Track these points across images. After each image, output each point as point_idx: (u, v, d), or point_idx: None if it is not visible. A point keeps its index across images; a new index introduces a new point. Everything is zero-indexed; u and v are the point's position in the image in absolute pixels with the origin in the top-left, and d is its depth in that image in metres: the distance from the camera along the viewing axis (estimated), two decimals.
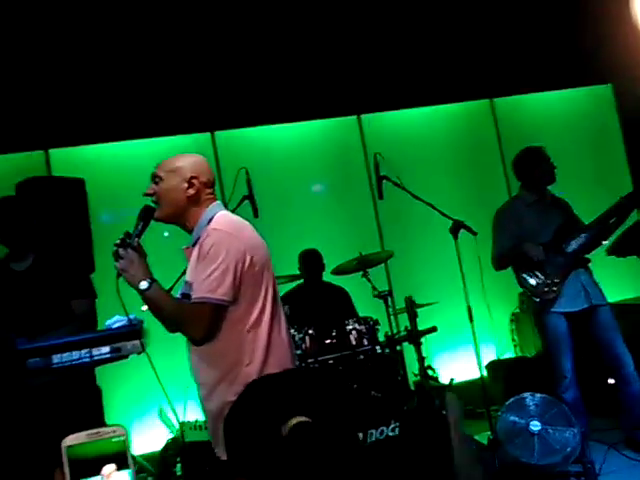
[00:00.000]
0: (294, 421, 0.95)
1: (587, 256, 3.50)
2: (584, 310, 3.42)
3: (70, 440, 1.13)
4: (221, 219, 2.02)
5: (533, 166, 3.56)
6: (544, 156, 3.57)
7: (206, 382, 2.00)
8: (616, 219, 3.43)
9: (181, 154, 2.12)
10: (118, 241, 1.98)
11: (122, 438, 1.14)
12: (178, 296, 2.04)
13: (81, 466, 1.11)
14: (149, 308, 2.00)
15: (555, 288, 3.38)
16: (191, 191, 2.03)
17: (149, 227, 2.06)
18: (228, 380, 1.92)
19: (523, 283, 3.49)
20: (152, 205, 2.06)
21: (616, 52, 5.28)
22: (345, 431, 1.02)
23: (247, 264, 1.94)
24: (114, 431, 1.15)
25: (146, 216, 2.03)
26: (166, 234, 2.35)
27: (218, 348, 1.94)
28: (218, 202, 2.10)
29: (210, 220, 2.02)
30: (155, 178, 2.06)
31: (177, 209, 2.04)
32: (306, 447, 0.95)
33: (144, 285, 1.91)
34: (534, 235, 3.48)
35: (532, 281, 3.44)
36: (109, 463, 1.13)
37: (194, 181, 2.04)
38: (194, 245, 2.03)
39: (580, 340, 3.50)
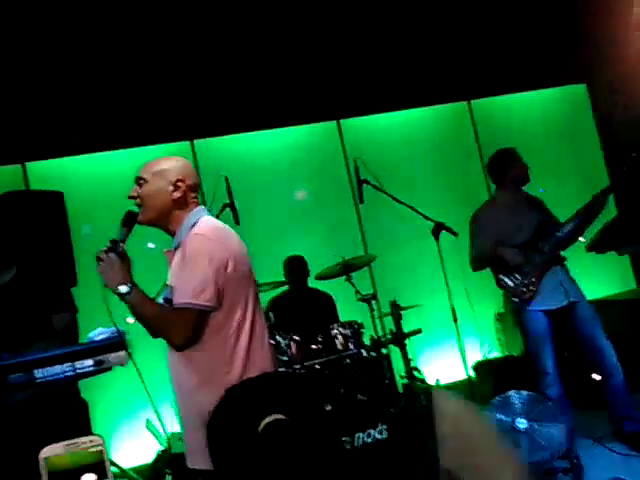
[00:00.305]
0: (269, 419, 0.96)
1: (563, 253, 3.54)
2: (563, 307, 3.45)
3: (47, 451, 1.12)
4: (204, 224, 2.01)
5: (506, 167, 3.59)
6: (517, 157, 3.61)
7: (184, 388, 1.98)
8: (591, 215, 3.45)
9: (166, 157, 2.10)
10: (104, 247, 1.97)
11: (100, 448, 1.13)
12: (160, 300, 2.02)
13: (60, 477, 1.10)
14: (132, 313, 1.98)
15: (533, 287, 3.42)
16: (177, 194, 2.02)
17: (133, 233, 2.04)
18: (207, 387, 1.89)
19: (501, 284, 3.53)
20: (135, 210, 2.04)
21: (590, 52, 5.41)
22: (322, 429, 1.03)
23: (230, 270, 1.93)
24: (91, 441, 1.14)
25: (129, 221, 2.01)
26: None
27: (199, 354, 1.92)
28: (202, 207, 2.09)
29: (194, 224, 2.00)
30: (139, 180, 2.04)
31: (162, 212, 2.02)
32: (281, 443, 0.95)
33: (124, 289, 1.89)
34: (511, 236, 3.50)
35: (510, 282, 3.48)
36: (88, 473, 1.12)
37: (180, 184, 2.02)
38: (176, 249, 2.02)
39: (562, 336, 3.54)
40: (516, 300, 3.47)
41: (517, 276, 3.47)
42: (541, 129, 5.48)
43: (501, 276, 3.51)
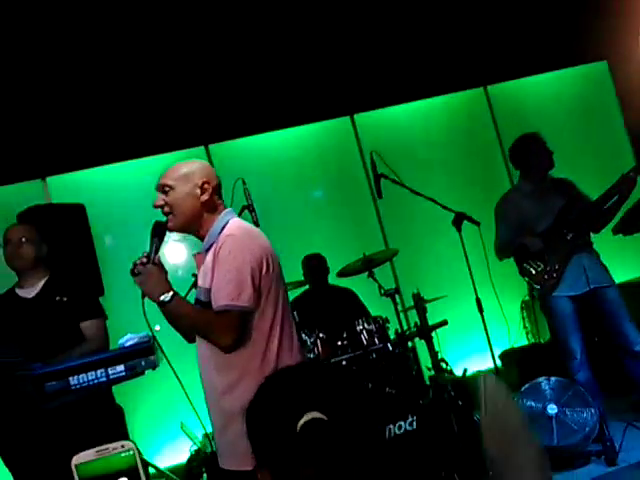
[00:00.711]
0: (307, 417, 0.97)
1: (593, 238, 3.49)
2: (587, 293, 3.42)
3: (79, 458, 1.14)
4: (236, 225, 2.02)
5: (528, 154, 3.55)
6: (538, 143, 3.54)
7: (216, 389, 1.99)
8: (618, 197, 3.38)
9: (185, 161, 2.09)
10: (137, 261, 1.98)
11: (131, 452, 1.14)
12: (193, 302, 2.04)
13: None
14: (171, 320, 2.00)
15: (555, 275, 3.40)
16: (205, 197, 2.01)
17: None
18: (239, 388, 1.91)
19: (524, 272, 3.51)
20: (161, 219, 2.04)
21: (609, 28, 5.22)
22: (363, 423, 1.04)
23: (264, 270, 1.94)
24: (123, 446, 1.15)
25: (159, 231, 2.02)
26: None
27: (232, 355, 1.93)
28: (230, 209, 2.10)
29: (224, 226, 2.01)
30: (164, 188, 2.01)
31: (192, 217, 2.02)
32: (319, 445, 0.96)
33: (166, 297, 1.90)
34: (534, 223, 3.48)
35: (532, 270, 3.46)
36: (121, 478, 1.13)
37: (206, 186, 2.01)
38: (207, 251, 2.02)
39: (589, 321, 3.51)
40: (538, 287, 3.46)
41: (539, 263, 3.44)
42: (562, 110, 5.35)
43: (524, 264, 3.49)
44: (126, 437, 3.08)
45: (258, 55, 4.90)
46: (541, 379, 3.20)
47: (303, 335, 3.53)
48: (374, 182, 3.59)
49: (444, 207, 3.44)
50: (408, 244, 4.86)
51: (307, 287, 4.28)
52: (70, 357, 2.50)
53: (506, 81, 5.44)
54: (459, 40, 5.18)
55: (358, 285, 4.22)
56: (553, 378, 3.18)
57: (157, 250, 2.00)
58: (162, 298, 1.90)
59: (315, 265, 4.26)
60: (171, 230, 2.04)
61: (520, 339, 4.93)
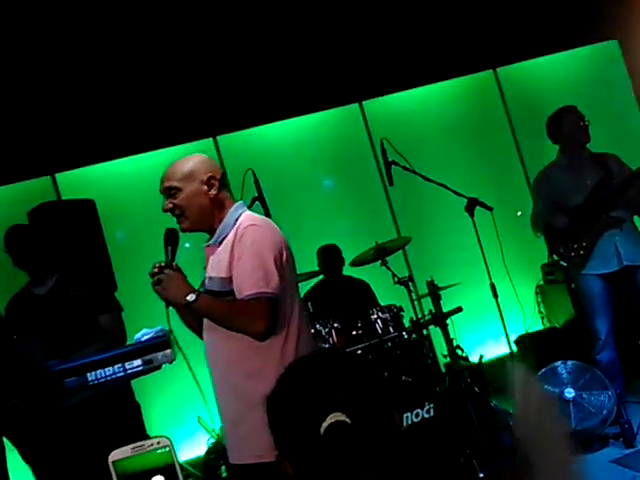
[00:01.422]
0: (331, 420, 0.95)
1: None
2: (619, 271, 3.36)
3: (116, 455, 1.13)
4: (251, 217, 2.02)
5: (561, 126, 3.50)
6: (573, 115, 3.48)
7: (232, 380, 1.98)
8: None
9: (184, 158, 2.05)
10: (154, 269, 1.96)
11: (167, 449, 1.14)
12: (203, 291, 2.02)
13: None
14: (203, 316, 1.99)
15: (582, 252, 3.36)
16: (213, 191, 1.99)
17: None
18: (256, 378, 1.89)
19: (553, 249, 3.49)
20: (172, 226, 2.02)
21: (619, 8, 5.15)
22: (385, 419, 1.02)
23: (284, 259, 1.95)
24: (158, 442, 1.14)
25: (171, 238, 2.00)
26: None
27: (249, 345, 1.92)
28: (241, 202, 2.09)
29: (237, 218, 2.00)
30: (171, 190, 1.98)
31: (204, 214, 2.00)
32: (344, 448, 0.95)
33: (192, 297, 1.90)
34: (566, 198, 3.44)
35: (561, 248, 3.43)
36: (157, 475, 1.13)
37: (213, 181, 2.00)
38: (220, 243, 2.01)
39: (620, 299, 3.47)
40: (565, 264, 3.43)
41: (568, 241, 3.41)
42: (572, 91, 5.21)
43: (553, 242, 3.48)
44: (143, 432, 3.10)
45: (265, 45, 4.85)
46: (558, 363, 3.17)
47: (318, 325, 3.53)
48: (385, 169, 3.57)
49: (456, 193, 3.41)
50: (420, 231, 4.83)
51: (321, 277, 4.27)
52: (90, 352, 2.51)
53: (515, 63, 5.35)
54: (467, 23, 5.09)
55: (371, 274, 4.20)
56: (570, 362, 3.16)
57: (173, 256, 1.99)
58: (188, 299, 1.90)
59: (331, 256, 4.25)
60: (185, 231, 2.03)
61: (535, 324, 4.90)
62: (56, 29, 4.36)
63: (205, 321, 2.06)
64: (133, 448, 1.13)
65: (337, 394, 0.98)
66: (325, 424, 0.95)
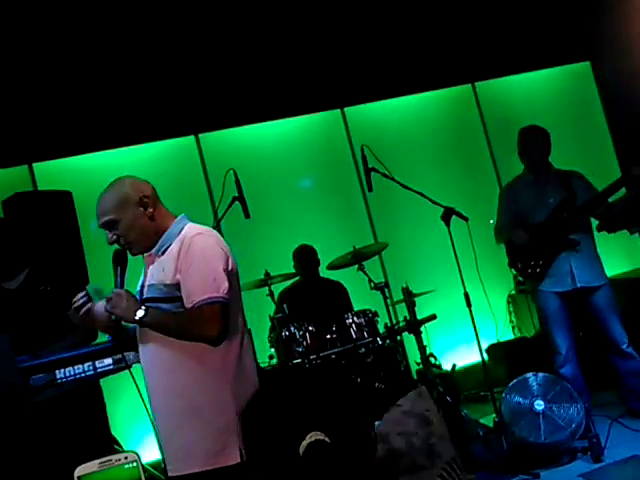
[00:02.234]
0: (310, 439, 0.95)
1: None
2: (575, 291, 3.43)
3: (81, 470, 1.10)
4: (196, 227, 2.04)
5: (521, 146, 3.56)
6: (529, 135, 3.53)
7: (170, 391, 1.97)
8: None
9: (110, 188, 2.06)
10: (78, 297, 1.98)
11: (135, 464, 1.11)
12: (142, 299, 2.02)
13: None
14: (156, 331, 1.97)
15: (538, 270, 3.42)
16: (150, 210, 2.01)
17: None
18: (196, 389, 1.92)
19: (511, 264, 3.57)
20: (119, 248, 2.02)
21: (593, 29, 5.34)
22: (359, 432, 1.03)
23: (230, 268, 1.98)
24: (126, 457, 1.12)
25: (119, 259, 2.00)
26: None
27: (190, 353, 1.92)
28: (184, 215, 2.11)
29: (181, 230, 2.02)
30: (110, 223, 1.99)
31: (148, 234, 2.01)
32: (323, 466, 0.95)
33: (141, 313, 1.90)
34: (528, 214, 3.50)
35: (519, 263, 3.50)
36: None
37: (145, 200, 2.00)
38: (163, 253, 2.01)
39: (578, 317, 3.53)
40: (521, 279, 3.52)
41: (525, 256, 3.47)
42: (547, 107, 5.40)
43: (512, 256, 3.55)
44: (108, 431, 3.05)
45: (250, 46, 4.85)
46: (529, 375, 3.20)
47: (292, 328, 3.51)
48: (365, 175, 3.58)
49: (433, 202, 3.45)
50: (397, 238, 4.87)
51: (297, 279, 4.26)
52: (60, 348, 2.46)
53: (493, 78, 5.49)
54: (449, 37, 5.22)
55: (347, 278, 4.22)
56: (540, 374, 3.19)
57: (122, 277, 2.00)
58: (138, 315, 1.90)
59: (306, 256, 4.24)
60: (136, 255, 2.04)
61: (506, 333, 4.96)
62: (38, 21, 4.29)
63: (140, 331, 2.05)
64: (100, 463, 1.11)
65: (314, 413, 0.98)
66: (304, 443, 0.94)
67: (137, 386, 2.00)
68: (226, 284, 1.91)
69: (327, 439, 0.95)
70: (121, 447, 2.73)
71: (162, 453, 2.05)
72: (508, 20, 5.26)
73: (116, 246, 2.04)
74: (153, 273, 2.02)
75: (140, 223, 1.99)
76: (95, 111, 4.55)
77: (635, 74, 5.14)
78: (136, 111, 4.65)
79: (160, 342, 1.96)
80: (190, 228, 2.03)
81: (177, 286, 1.94)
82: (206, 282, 1.90)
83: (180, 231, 2.01)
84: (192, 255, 1.92)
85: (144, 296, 2.02)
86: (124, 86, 4.61)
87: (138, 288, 2.10)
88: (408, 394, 2.37)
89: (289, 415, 1.00)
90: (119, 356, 2.27)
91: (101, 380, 2.67)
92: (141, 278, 2.12)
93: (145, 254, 2.07)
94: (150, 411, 2.03)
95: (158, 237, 2.03)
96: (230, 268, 1.97)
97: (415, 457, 2.30)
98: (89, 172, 4.62)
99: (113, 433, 3.30)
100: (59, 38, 4.39)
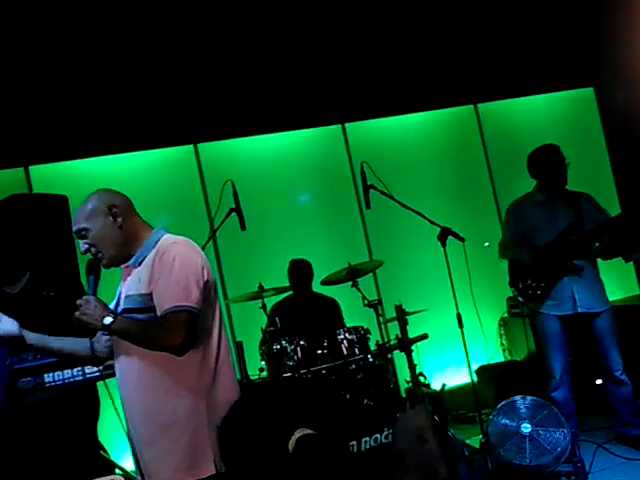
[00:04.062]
0: (299, 434, 0.96)
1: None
2: (575, 316, 3.44)
3: None
4: (172, 237, 2.04)
5: (542, 164, 3.52)
6: (555, 155, 3.50)
7: (146, 403, 1.96)
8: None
9: (83, 202, 2.06)
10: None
11: None
12: (119, 311, 2.02)
13: None
14: (122, 339, 1.97)
15: (539, 292, 3.43)
16: (120, 220, 2.01)
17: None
18: (172, 401, 1.92)
19: (513, 283, 3.57)
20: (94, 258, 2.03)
21: (598, 56, 5.41)
22: (338, 439, 1.04)
23: (205, 278, 1.97)
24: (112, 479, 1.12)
25: (94, 269, 2.01)
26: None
27: (166, 364, 1.92)
28: (162, 227, 2.11)
29: (157, 241, 2.02)
30: (81, 232, 2.01)
31: (118, 245, 2.01)
32: (312, 460, 0.96)
33: (109, 320, 1.88)
34: (535, 235, 3.50)
35: (520, 283, 3.49)
36: None
37: (114, 209, 2.01)
38: (140, 264, 2.01)
39: (576, 341, 3.55)
40: (520, 300, 3.53)
41: (527, 277, 3.47)
42: (548, 132, 5.37)
43: (514, 276, 3.55)
44: (95, 438, 3.03)
45: (252, 58, 4.89)
46: (517, 397, 3.21)
47: (283, 342, 3.51)
48: (363, 192, 3.60)
49: (430, 221, 3.46)
50: (392, 256, 4.86)
51: (290, 293, 4.26)
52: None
53: (496, 100, 5.53)
54: (453, 58, 5.27)
55: (341, 294, 4.22)
56: (529, 397, 3.20)
57: (95, 286, 1.99)
58: (105, 321, 1.88)
59: (300, 270, 4.26)
60: (109, 267, 2.04)
61: (497, 355, 4.97)
62: (37, 25, 4.33)
63: (115, 343, 2.05)
64: None
65: (299, 412, 1.00)
66: (294, 438, 0.96)
67: (112, 398, 2.00)
68: (197, 294, 1.91)
69: (314, 432, 0.96)
70: (107, 454, 2.72)
71: (135, 465, 2.05)
72: (513, 43, 5.33)
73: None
74: (130, 284, 2.02)
75: (109, 233, 1.99)
76: (93, 116, 4.57)
77: (638, 102, 5.20)
78: (135, 118, 4.67)
79: (134, 355, 1.95)
80: (167, 238, 2.03)
81: (152, 295, 1.94)
82: (175, 290, 1.89)
83: (157, 242, 2.02)
84: (165, 263, 1.92)
85: (121, 307, 2.02)
86: (123, 92, 4.63)
87: (115, 301, 2.10)
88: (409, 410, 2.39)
89: (268, 426, 1.01)
90: (109, 362, 2.26)
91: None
92: (118, 290, 2.12)
93: (122, 266, 2.07)
94: (124, 423, 2.04)
95: (130, 248, 2.03)
96: (205, 279, 1.96)
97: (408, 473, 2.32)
98: (85, 177, 4.63)
99: (101, 439, 3.27)
100: (59, 42, 4.43)
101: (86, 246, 2.00)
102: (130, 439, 2.04)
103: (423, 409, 2.36)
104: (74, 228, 2.01)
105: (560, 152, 3.52)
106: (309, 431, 0.97)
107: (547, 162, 3.51)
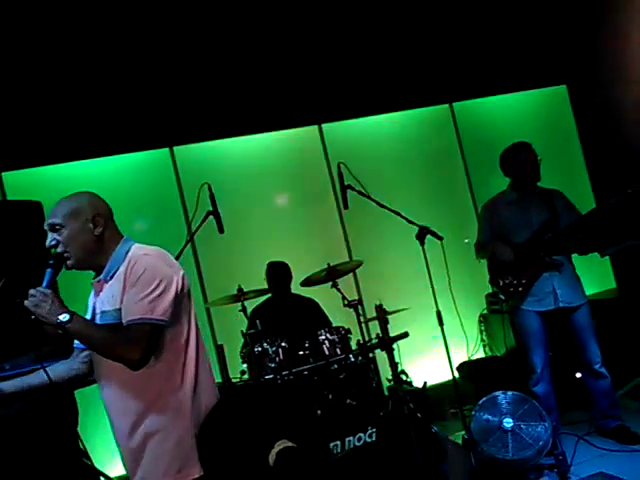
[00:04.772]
0: (278, 447, 0.95)
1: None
2: (556, 310, 3.49)
3: None
4: (142, 248, 2.01)
5: (511, 163, 3.56)
6: (523, 152, 3.53)
7: (132, 413, 1.95)
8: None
9: (71, 195, 2.04)
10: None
11: None
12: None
13: None
14: (79, 340, 1.95)
15: (520, 289, 3.46)
16: (99, 229, 1.98)
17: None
18: (157, 408, 1.92)
19: (493, 281, 3.59)
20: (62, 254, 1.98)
21: (569, 53, 5.50)
22: (318, 443, 1.03)
23: (178, 288, 1.95)
24: None
25: (56, 264, 1.95)
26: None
27: (150, 372, 1.91)
28: (128, 237, 2.08)
29: (127, 252, 1.99)
30: (55, 226, 1.96)
31: (88, 252, 1.98)
32: (292, 474, 0.95)
33: (65, 317, 1.83)
34: (511, 233, 3.54)
35: (500, 280, 3.52)
36: None
37: (98, 218, 1.99)
38: (111, 277, 1.99)
39: (555, 336, 3.59)
40: (502, 297, 3.54)
41: (507, 274, 3.50)
42: (523, 130, 5.45)
43: (494, 273, 3.57)
44: (77, 445, 2.98)
45: (228, 60, 4.87)
46: (498, 393, 3.24)
47: (265, 344, 3.50)
48: (341, 193, 3.61)
49: (408, 220, 3.47)
50: (372, 256, 4.89)
51: (269, 295, 4.25)
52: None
53: (471, 99, 5.58)
54: (428, 57, 5.31)
55: (321, 295, 4.21)
56: (510, 392, 3.24)
57: (50, 281, 1.92)
58: (61, 318, 1.83)
59: (278, 272, 4.24)
60: (70, 268, 2.00)
61: (477, 351, 5.01)
62: (18, 26, 4.25)
63: (94, 355, 2.03)
64: None
65: (280, 420, 0.99)
66: (274, 452, 0.95)
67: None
68: (165, 306, 1.89)
69: (294, 445, 0.95)
70: (90, 461, 2.68)
71: (126, 470, 2.04)
72: (487, 42, 5.39)
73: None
74: (104, 299, 1.99)
75: (84, 238, 1.96)
76: (67, 121, 4.51)
77: (610, 98, 5.29)
78: (109, 121, 4.61)
79: (117, 366, 1.91)
80: (136, 249, 2.00)
81: None
82: (142, 303, 1.87)
83: (126, 253, 1.99)
84: (134, 276, 1.90)
85: (98, 323, 1.98)
86: (97, 96, 4.58)
87: (89, 315, 2.06)
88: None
89: (248, 428, 1.00)
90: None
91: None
92: (90, 305, 2.08)
93: (94, 280, 2.05)
94: (112, 431, 2.03)
95: (99, 258, 2.00)
96: (178, 288, 1.94)
97: None
98: (59, 182, 4.56)
99: (85, 445, 3.23)
100: (33, 48, 4.36)
101: (54, 242, 1.96)
102: (119, 447, 2.03)
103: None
104: (49, 220, 1.97)
105: (530, 149, 3.55)
106: (290, 444, 0.96)
107: (517, 160, 3.54)
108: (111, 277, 1.98)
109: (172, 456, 1.91)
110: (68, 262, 1.97)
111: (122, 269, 1.95)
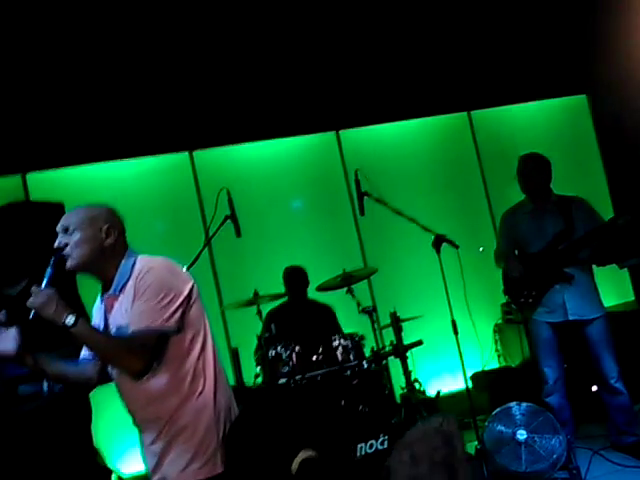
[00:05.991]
0: (301, 456, 0.97)
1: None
2: (567, 323, 3.45)
3: None
4: (149, 259, 2.04)
5: (519, 175, 3.56)
6: (528, 163, 3.51)
7: (160, 420, 1.98)
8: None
9: (89, 205, 2.07)
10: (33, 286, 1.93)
11: None
12: None
13: None
14: (83, 343, 1.97)
15: (531, 300, 3.45)
16: (109, 241, 2.00)
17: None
18: (183, 411, 1.96)
19: (505, 291, 3.60)
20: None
21: (590, 63, 5.45)
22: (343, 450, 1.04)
23: (188, 295, 1.98)
24: None
25: (58, 266, 1.97)
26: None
27: (171, 381, 1.95)
28: (130, 249, 2.09)
29: (133, 265, 2.01)
30: (66, 229, 1.99)
31: (92, 259, 1.99)
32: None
33: (71, 320, 1.83)
34: (525, 244, 3.54)
35: (513, 291, 3.52)
36: None
37: (111, 230, 2.02)
38: (120, 292, 2.00)
39: (569, 348, 3.57)
40: (514, 307, 3.58)
41: (519, 286, 3.50)
42: (541, 139, 5.40)
43: (507, 284, 3.59)
44: (90, 444, 3.02)
45: (247, 65, 4.91)
46: (512, 404, 3.21)
47: (279, 348, 3.52)
48: (357, 199, 3.61)
49: (424, 228, 3.46)
50: (387, 262, 4.88)
51: (285, 299, 4.27)
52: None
53: (490, 108, 5.56)
54: (447, 65, 5.30)
55: (336, 301, 4.23)
56: (524, 404, 3.20)
57: (50, 281, 1.93)
58: (67, 320, 1.84)
59: (295, 277, 4.26)
60: (70, 270, 2.00)
61: (491, 362, 4.98)
62: (34, 31, 4.33)
63: None
64: None
65: (304, 431, 1.00)
66: (297, 461, 0.96)
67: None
68: (169, 314, 1.91)
69: (316, 455, 0.97)
70: (103, 460, 2.71)
71: (147, 467, 2.07)
72: (506, 50, 5.36)
73: None
74: (117, 316, 2.01)
75: (92, 246, 1.98)
76: (90, 123, 4.58)
77: (630, 110, 5.23)
78: (130, 125, 4.68)
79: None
80: (142, 261, 2.02)
81: None
82: (147, 312, 1.90)
83: (132, 266, 2.01)
84: (142, 286, 1.93)
85: None
86: (119, 99, 4.65)
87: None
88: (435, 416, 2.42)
89: (274, 434, 1.01)
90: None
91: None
92: (95, 316, 2.10)
93: (105, 296, 2.06)
94: (137, 431, 2.07)
95: (101, 269, 2.02)
96: (183, 300, 1.96)
97: (434, 468, 2.33)
98: (81, 184, 4.64)
99: (97, 445, 3.27)
100: (55, 49, 4.44)
101: (62, 244, 1.98)
102: (142, 448, 2.06)
103: (453, 418, 2.37)
104: (63, 221, 2.00)
105: (533, 162, 3.52)
106: (313, 453, 0.97)
107: (520, 173, 3.55)
108: (120, 291, 2.00)
109: (195, 452, 1.95)
110: (67, 263, 1.98)
111: (131, 282, 1.97)
